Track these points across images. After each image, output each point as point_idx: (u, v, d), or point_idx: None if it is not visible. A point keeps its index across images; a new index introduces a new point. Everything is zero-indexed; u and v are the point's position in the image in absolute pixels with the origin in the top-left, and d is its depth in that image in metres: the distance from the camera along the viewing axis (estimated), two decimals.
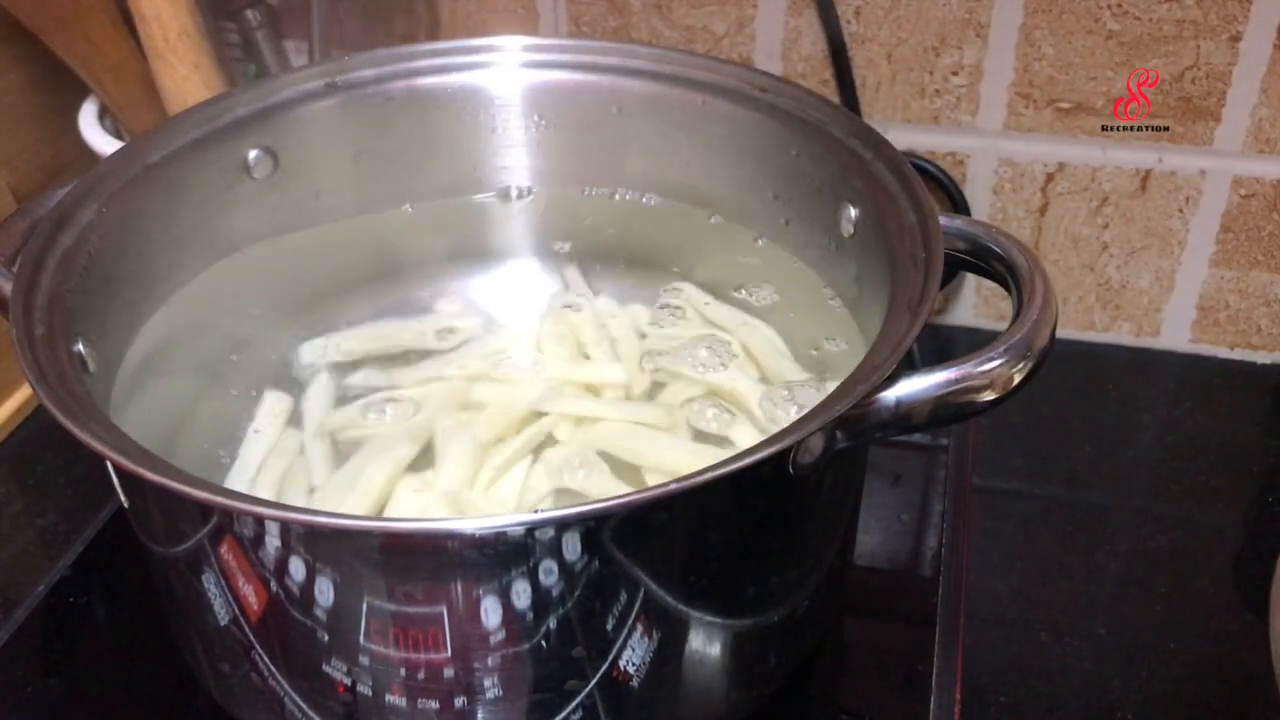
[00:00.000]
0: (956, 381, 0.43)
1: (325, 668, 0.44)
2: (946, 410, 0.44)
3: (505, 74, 0.63)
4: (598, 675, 0.44)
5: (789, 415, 0.52)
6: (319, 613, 0.43)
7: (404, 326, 0.59)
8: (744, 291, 0.60)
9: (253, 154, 0.59)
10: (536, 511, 0.38)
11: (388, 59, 0.62)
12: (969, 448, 0.68)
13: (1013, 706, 0.55)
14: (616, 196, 0.65)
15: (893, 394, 0.43)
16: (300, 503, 0.50)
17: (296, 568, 0.42)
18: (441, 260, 0.64)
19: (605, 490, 0.49)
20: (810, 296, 0.59)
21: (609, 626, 0.43)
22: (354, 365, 0.57)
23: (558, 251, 0.63)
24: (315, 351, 0.57)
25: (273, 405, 0.54)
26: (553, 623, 0.42)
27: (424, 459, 0.52)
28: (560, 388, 0.55)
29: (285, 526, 0.41)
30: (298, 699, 0.46)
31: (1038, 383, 0.44)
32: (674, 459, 0.51)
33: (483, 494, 0.50)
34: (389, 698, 0.44)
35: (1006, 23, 0.67)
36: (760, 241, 0.62)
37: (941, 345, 0.77)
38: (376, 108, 0.62)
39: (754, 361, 0.56)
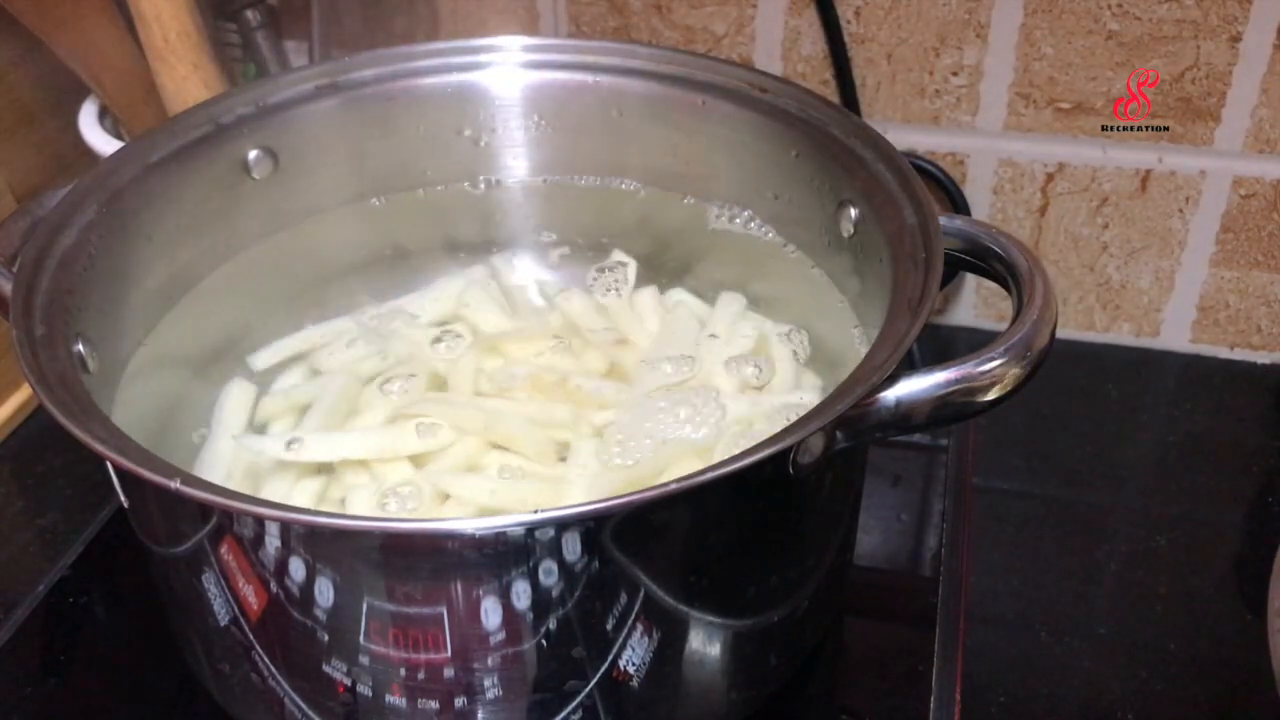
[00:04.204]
0: (956, 381, 0.44)
1: (325, 668, 0.45)
2: (946, 410, 0.44)
3: (505, 74, 0.63)
4: (598, 675, 0.44)
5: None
6: (319, 613, 0.43)
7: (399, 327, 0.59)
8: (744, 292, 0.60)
9: (253, 154, 0.59)
10: (536, 512, 0.38)
11: (388, 59, 0.62)
12: (969, 448, 0.68)
13: (1013, 706, 0.55)
14: (613, 194, 0.65)
15: (893, 394, 0.43)
16: None
17: (296, 568, 0.42)
18: (440, 257, 0.64)
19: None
20: (811, 296, 0.59)
21: (609, 626, 0.43)
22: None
23: (553, 247, 0.63)
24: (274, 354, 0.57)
25: (237, 398, 0.54)
26: (553, 623, 0.42)
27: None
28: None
29: (285, 526, 0.41)
30: (298, 699, 0.46)
31: (1038, 383, 0.44)
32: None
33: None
34: (389, 698, 0.44)
35: (1006, 23, 0.67)
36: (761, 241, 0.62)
37: (941, 345, 0.77)
38: (376, 108, 0.62)
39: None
